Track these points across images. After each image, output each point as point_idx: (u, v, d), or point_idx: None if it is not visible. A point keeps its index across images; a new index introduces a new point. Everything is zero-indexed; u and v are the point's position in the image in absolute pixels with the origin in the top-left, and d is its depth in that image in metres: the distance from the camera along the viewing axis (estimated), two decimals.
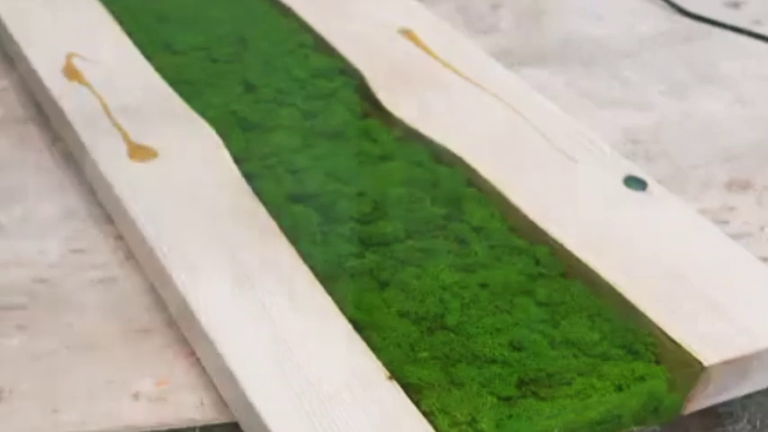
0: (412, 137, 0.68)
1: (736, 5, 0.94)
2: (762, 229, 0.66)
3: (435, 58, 0.76)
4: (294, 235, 0.58)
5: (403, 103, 0.71)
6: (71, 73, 0.71)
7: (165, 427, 0.50)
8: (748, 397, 0.54)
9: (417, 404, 0.48)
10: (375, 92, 0.72)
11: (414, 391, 0.49)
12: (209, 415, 0.50)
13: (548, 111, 0.71)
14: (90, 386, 0.51)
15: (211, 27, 0.79)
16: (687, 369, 0.51)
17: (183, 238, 0.56)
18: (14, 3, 0.79)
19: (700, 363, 0.51)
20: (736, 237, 0.62)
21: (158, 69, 0.72)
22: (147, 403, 0.50)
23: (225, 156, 0.64)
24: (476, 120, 0.69)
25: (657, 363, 0.51)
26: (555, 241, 0.59)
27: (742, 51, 0.87)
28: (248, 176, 0.62)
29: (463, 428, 0.47)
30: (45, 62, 0.72)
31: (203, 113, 0.67)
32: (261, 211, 0.59)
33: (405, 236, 0.59)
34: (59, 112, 0.67)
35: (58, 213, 0.63)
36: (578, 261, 0.57)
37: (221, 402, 0.51)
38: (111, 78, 0.71)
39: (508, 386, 0.49)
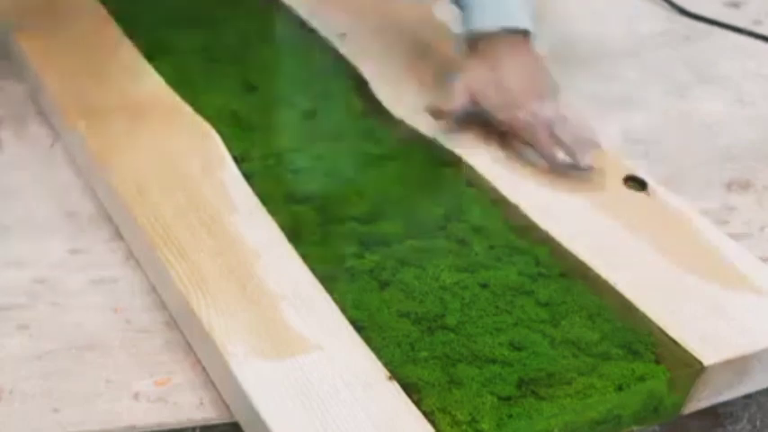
0: (412, 137, 0.68)
1: (736, 5, 0.94)
2: (762, 229, 0.66)
3: (435, 58, 0.76)
4: (294, 235, 0.58)
5: (403, 103, 0.71)
6: None
7: (165, 427, 0.50)
8: (748, 397, 0.54)
9: (417, 404, 0.48)
10: (375, 92, 0.72)
11: (414, 391, 0.49)
12: (210, 415, 0.50)
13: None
14: (90, 386, 0.51)
15: (211, 27, 0.79)
16: (687, 369, 0.51)
17: (184, 239, 0.56)
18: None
19: (700, 363, 0.51)
20: (736, 237, 0.62)
21: (158, 69, 0.72)
22: (147, 403, 0.50)
23: (225, 156, 0.64)
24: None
25: (657, 363, 0.51)
26: (555, 241, 0.59)
27: (742, 51, 0.87)
28: (248, 176, 0.62)
29: (463, 428, 0.47)
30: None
31: (203, 113, 0.67)
32: (261, 211, 0.59)
33: (405, 236, 0.59)
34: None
35: (58, 213, 0.63)
36: (578, 261, 0.57)
37: (221, 402, 0.51)
38: None
39: (508, 386, 0.49)
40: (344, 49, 0.76)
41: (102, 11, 0.79)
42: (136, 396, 0.51)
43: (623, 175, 0.64)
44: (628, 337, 0.53)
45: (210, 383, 0.52)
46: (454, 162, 0.65)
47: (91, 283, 0.57)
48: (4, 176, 0.65)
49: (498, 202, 0.62)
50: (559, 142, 0.64)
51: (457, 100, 0.66)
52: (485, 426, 0.47)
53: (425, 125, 0.68)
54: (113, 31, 0.76)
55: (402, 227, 0.59)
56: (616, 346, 0.52)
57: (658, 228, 0.60)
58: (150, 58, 0.73)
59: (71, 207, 0.63)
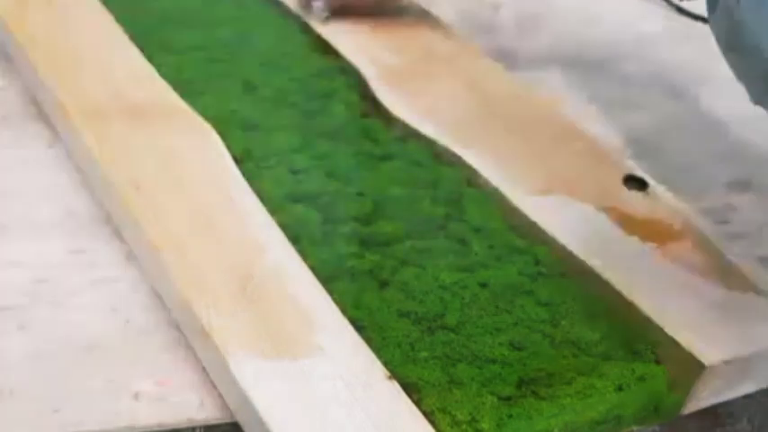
0: (412, 137, 0.68)
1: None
2: (762, 229, 0.66)
3: (435, 57, 0.76)
4: (294, 235, 0.58)
5: (403, 102, 0.71)
6: None
7: (165, 427, 0.50)
8: (748, 397, 0.54)
9: (417, 404, 0.48)
10: (375, 92, 0.72)
11: (414, 391, 0.49)
12: (210, 415, 0.50)
13: (547, 111, 0.71)
14: (90, 386, 0.51)
15: (211, 27, 0.79)
16: (687, 369, 0.51)
17: (183, 238, 0.56)
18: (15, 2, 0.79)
19: (700, 363, 0.51)
20: (736, 237, 0.62)
21: (159, 69, 0.72)
22: (147, 403, 0.50)
23: (225, 155, 0.64)
24: (476, 120, 0.69)
25: (657, 363, 0.51)
26: (555, 241, 0.59)
27: None
28: (248, 176, 0.62)
29: (463, 428, 0.47)
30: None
31: (203, 113, 0.67)
32: (261, 211, 0.59)
33: (405, 236, 0.59)
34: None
35: (58, 213, 0.63)
36: (578, 261, 0.57)
37: (221, 402, 0.51)
38: None
39: (508, 386, 0.49)
40: (345, 49, 0.76)
41: (103, 11, 0.79)
42: (136, 396, 0.51)
43: (623, 175, 0.64)
44: (628, 337, 0.53)
45: (210, 383, 0.52)
46: (454, 162, 0.65)
47: (91, 283, 0.57)
48: (4, 176, 0.65)
49: (498, 202, 0.62)
50: None
51: None
52: (485, 426, 0.47)
53: (425, 125, 0.68)
54: (114, 31, 0.76)
55: (402, 227, 0.60)
56: (616, 346, 0.52)
57: (658, 227, 0.60)
58: (150, 57, 0.73)
59: (71, 207, 0.63)
